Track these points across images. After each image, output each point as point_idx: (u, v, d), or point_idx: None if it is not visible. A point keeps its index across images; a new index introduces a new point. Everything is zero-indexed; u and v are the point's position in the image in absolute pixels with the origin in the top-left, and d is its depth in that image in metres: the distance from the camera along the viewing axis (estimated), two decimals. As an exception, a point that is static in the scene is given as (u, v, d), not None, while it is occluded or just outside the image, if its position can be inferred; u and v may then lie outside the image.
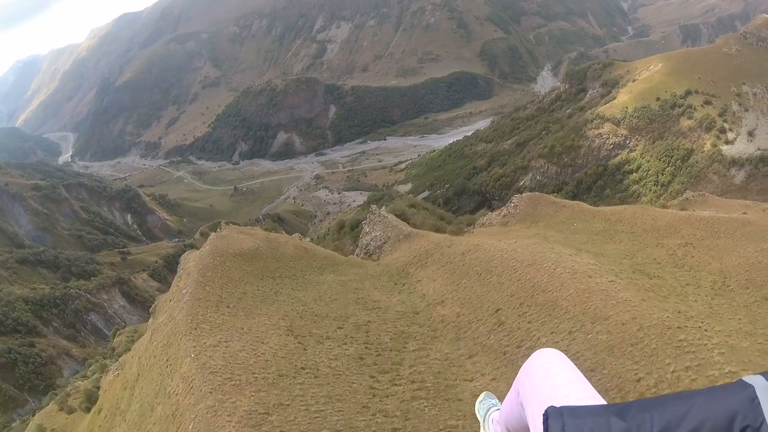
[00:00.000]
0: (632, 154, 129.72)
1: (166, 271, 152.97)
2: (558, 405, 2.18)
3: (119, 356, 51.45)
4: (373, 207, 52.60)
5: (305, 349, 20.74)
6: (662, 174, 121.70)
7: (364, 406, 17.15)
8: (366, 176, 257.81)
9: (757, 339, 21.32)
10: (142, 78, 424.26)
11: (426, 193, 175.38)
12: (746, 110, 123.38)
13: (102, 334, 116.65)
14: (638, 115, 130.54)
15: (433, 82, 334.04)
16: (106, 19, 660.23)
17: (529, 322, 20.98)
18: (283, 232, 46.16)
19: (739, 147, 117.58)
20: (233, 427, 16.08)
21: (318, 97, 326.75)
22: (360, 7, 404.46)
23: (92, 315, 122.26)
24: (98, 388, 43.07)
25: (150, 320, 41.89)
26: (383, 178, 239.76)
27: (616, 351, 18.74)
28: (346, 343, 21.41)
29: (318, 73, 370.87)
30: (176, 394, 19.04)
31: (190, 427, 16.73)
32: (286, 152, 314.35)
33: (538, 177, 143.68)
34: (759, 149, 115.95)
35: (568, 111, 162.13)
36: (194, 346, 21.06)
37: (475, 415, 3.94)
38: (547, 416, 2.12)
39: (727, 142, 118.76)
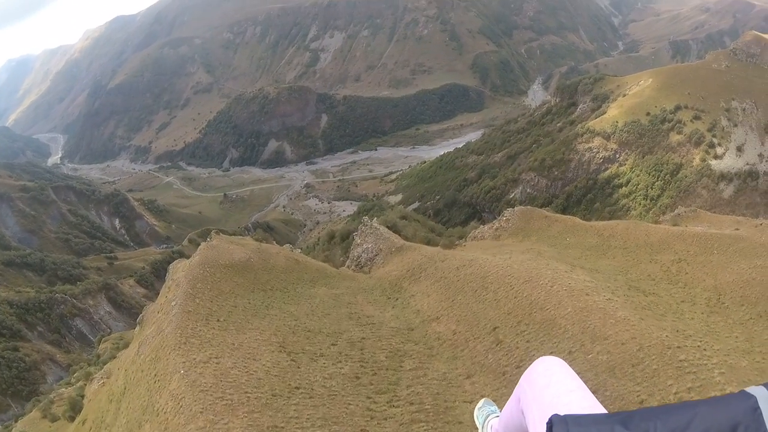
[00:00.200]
0: (622, 168, 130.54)
1: (153, 278, 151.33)
2: (561, 413, 2.21)
3: (104, 364, 50.69)
4: (365, 219, 52.19)
5: (299, 367, 20.20)
6: (651, 188, 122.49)
7: (362, 430, 16.65)
8: (356, 186, 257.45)
9: (754, 357, 21.17)
10: (135, 81, 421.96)
11: (416, 204, 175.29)
12: (735, 125, 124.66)
13: (87, 340, 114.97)
14: (628, 129, 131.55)
15: (424, 93, 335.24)
16: (100, 21, 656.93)
17: (527, 341, 20.62)
18: (274, 242, 45.60)
19: (728, 162, 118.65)
20: (225, 449, 15.53)
21: (310, 106, 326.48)
22: (354, 18, 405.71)
23: (77, 320, 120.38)
24: (82, 396, 42.35)
25: (136, 329, 41.08)
26: (373, 189, 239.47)
27: (618, 372, 18.46)
28: (340, 361, 20.88)
29: (310, 82, 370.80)
30: (165, 413, 18.41)
31: (180, 448, 16.15)
32: (277, 160, 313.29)
33: (528, 190, 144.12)
34: (747, 164, 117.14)
35: (558, 124, 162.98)
36: (183, 362, 20.46)
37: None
38: (551, 424, 2.15)
39: (716, 157, 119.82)
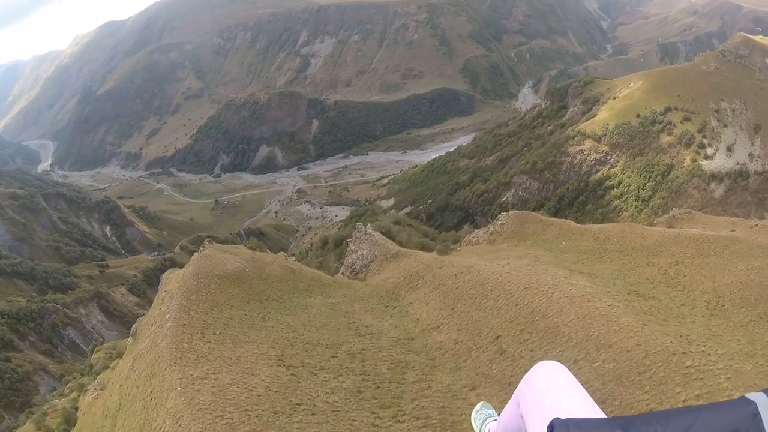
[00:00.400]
0: (613, 170, 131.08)
1: (145, 286, 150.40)
2: (561, 417, 2.24)
3: (97, 374, 50.10)
4: (359, 224, 51.72)
5: (299, 382, 19.74)
6: (643, 189, 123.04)
7: (368, 447, 16.24)
8: (348, 191, 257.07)
9: (758, 360, 21.00)
10: (125, 87, 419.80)
11: (408, 209, 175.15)
12: (725, 126, 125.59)
13: (80, 350, 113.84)
14: (619, 131, 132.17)
15: (415, 97, 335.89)
16: (90, 27, 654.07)
17: (531, 350, 20.30)
18: (268, 250, 45.07)
19: (719, 162, 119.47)
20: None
21: (301, 111, 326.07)
22: (344, 23, 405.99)
23: (69, 330, 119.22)
24: (76, 408, 41.71)
25: (129, 341, 40.45)
26: (365, 193, 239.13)
27: (625, 380, 18.21)
28: (341, 375, 20.43)
29: (301, 87, 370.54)
30: (163, 432, 17.93)
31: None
32: (268, 166, 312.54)
33: (520, 193, 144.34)
34: (738, 164, 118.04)
35: (549, 128, 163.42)
36: (180, 378, 19.96)
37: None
38: (552, 428, 2.18)
39: (706, 157, 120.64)
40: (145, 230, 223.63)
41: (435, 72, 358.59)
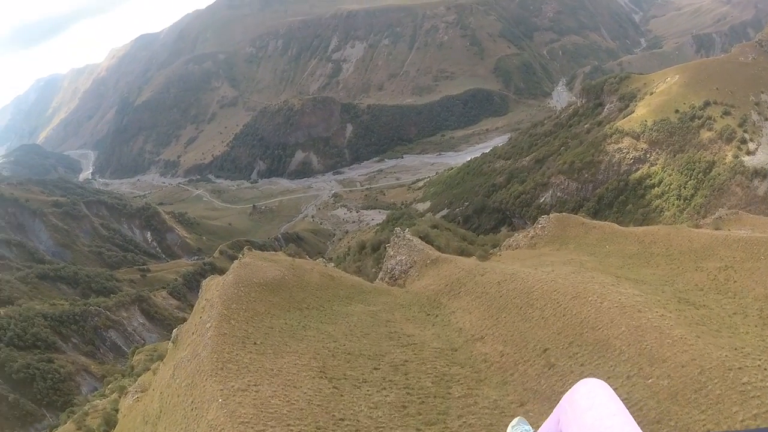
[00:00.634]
0: (653, 168, 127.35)
1: (185, 290, 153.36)
2: None
3: (138, 375, 50.98)
4: (397, 230, 51.29)
5: (342, 396, 19.29)
6: (684, 188, 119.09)
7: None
8: (384, 194, 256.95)
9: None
10: (161, 97, 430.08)
11: (445, 211, 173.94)
12: (766, 119, 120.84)
13: (121, 352, 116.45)
14: (658, 128, 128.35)
15: (448, 99, 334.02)
16: (125, 40, 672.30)
17: (581, 365, 19.43)
18: (307, 256, 44.96)
19: (761, 157, 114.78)
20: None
21: (334, 116, 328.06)
22: (374, 27, 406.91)
23: (111, 332, 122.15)
24: (116, 410, 42.29)
25: (170, 346, 40.83)
26: (401, 197, 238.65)
27: (680, 398, 17.25)
28: (385, 388, 19.90)
29: (334, 93, 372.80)
30: (204, 445, 17.70)
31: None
32: (304, 171, 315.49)
33: (558, 193, 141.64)
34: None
35: (586, 126, 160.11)
36: (221, 389, 19.77)
37: None
38: None
39: (748, 153, 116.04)
40: (185, 235, 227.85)
41: (467, 73, 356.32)
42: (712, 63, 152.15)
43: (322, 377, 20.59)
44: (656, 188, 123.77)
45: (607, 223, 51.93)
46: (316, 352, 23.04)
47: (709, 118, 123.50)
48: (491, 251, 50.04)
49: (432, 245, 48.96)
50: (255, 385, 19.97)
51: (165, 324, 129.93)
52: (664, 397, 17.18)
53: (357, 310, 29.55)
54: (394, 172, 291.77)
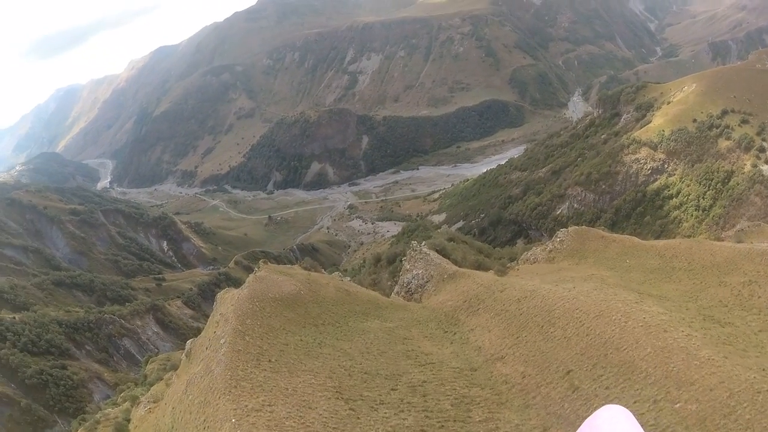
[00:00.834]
0: (671, 178, 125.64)
1: (200, 299, 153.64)
2: None
3: (151, 385, 50.65)
4: (414, 243, 50.70)
5: (358, 418, 18.70)
6: (703, 198, 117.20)
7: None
8: (399, 206, 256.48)
9: None
10: (179, 108, 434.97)
11: (460, 223, 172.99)
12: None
13: (134, 360, 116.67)
14: (675, 138, 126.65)
15: (464, 110, 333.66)
16: (144, 52, 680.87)
17: (606, 388, 18.68)
18: (323, 270, 44.50)
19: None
20: None
21: (350, 128, 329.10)
22: (389, 39, 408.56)
23: (125, 340, 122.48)
24: (128, 420, 41.98)
25: (183, 359, 40.55)
26: (417, 208, 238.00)
27: (709, 424, 16.51)
28: (402, 411, 19.27)
29: (350, 104, 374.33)
30: (217, 467, 17.21)
31: None
32: (320, 182, 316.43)
33: (575, 205, 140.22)
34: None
35: (602, 136, 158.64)
36: (234, 409, 19.30)
37: None
38: None
39: (767, 162, 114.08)
40: (201, 245, 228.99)
41: (482, 84, 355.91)
42: (729, 71, 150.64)
43: (338, 398, 20.03)
44: (674, 199, 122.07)
45: (626, 236, 50.92)
46: (332, 370, 22.50)
47: (727, 126, 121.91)
48: (509, 265, 49.26)
49: (448, 258, 48.32)
50: (269, 405, 19.47)
51: (179, 333, 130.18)
52: (693, 422, 16.46)
53: (373, 326, 28.99)
54: (410, 184, 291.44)
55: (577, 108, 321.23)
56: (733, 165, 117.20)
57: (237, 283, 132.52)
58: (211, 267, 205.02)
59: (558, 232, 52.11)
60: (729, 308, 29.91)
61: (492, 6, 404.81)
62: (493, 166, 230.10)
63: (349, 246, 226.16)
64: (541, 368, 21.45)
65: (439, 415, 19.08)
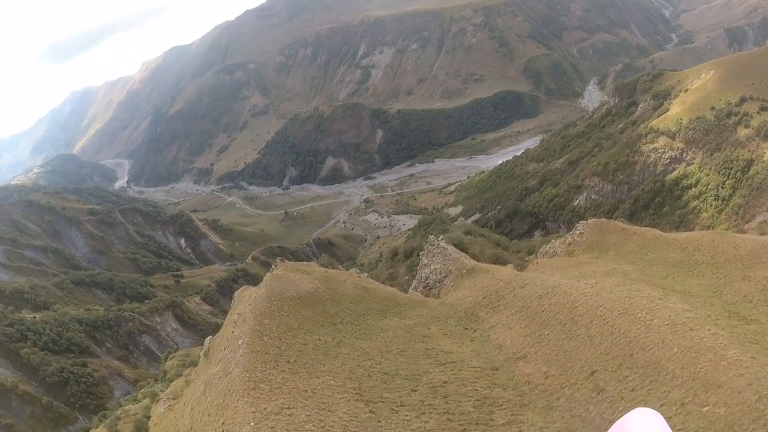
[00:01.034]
0: (690, 167, 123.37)
1: (218, 295, 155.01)
2: None
3: (170, 381, 50.98)
4: (431, 237, 50.21)
5: (379, 421, 18.38)
6: (722, 188, 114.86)
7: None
8: (415, 199, 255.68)
9: None
10: (194, 107, 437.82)
11: (477, 216, 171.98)
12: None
13: (154, 356, 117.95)
14: (693, 126, 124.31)
15: (478, 102, 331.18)
16: (157, 53, 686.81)
17: (632, 390, 18.13)
18: (340, 267, 44.22)
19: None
20: None
21: (364, 122, 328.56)
22: (401, 32, 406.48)
23: (145, 337, 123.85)
24: (148, 417, 42.23)
25: (201, 358, 40.63)
26: (432, 201, 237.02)
27: (738, 429, 15.93)
28: (424, 413, 18.91)
29: (363, 99, 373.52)
30: (236, 473, 17.02)
31: None
32: (335, 177, 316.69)
33: (593, 196, 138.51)
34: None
35: (619, 126, 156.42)
36: (253, 412, 19.10)
37: None
38: None
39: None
40: (218, 242, 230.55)
41: (496, 75, 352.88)
42: (747, 57, 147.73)
43: (357, 400, 19.73)
44: (693, 189, 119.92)
45: (647, 228, 49.92)
46: (352, 371, 22.21)
47: (746, 114, 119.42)
48: (527, 259, 48.58)
49: (466, 252, 47.76)
50: (288, 408, 19.23)
51: (198, 329, 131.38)
52: (721, 427, 15.88)
53: (392, 324, 28.63)
54: (425, 177, 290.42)
55: (593, 97, 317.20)
56: (752, 153, 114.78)
57: (254, 279, 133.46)
58: (229, 263, 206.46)
59: (577, 224, 51.26)
60: (754, 304, 29.14)
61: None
62: (509, 157, 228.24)
63: (366, 240, 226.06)
64: (565, 368, 20.94)
65: (461, 417, 18.67)
